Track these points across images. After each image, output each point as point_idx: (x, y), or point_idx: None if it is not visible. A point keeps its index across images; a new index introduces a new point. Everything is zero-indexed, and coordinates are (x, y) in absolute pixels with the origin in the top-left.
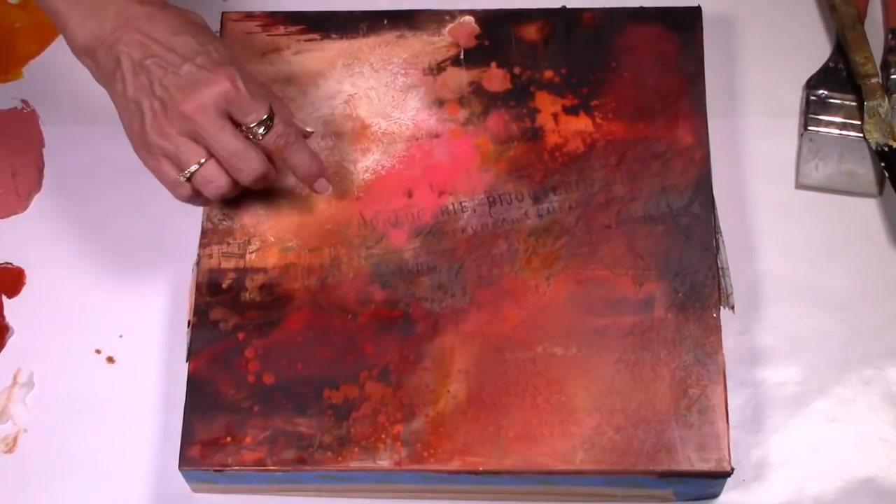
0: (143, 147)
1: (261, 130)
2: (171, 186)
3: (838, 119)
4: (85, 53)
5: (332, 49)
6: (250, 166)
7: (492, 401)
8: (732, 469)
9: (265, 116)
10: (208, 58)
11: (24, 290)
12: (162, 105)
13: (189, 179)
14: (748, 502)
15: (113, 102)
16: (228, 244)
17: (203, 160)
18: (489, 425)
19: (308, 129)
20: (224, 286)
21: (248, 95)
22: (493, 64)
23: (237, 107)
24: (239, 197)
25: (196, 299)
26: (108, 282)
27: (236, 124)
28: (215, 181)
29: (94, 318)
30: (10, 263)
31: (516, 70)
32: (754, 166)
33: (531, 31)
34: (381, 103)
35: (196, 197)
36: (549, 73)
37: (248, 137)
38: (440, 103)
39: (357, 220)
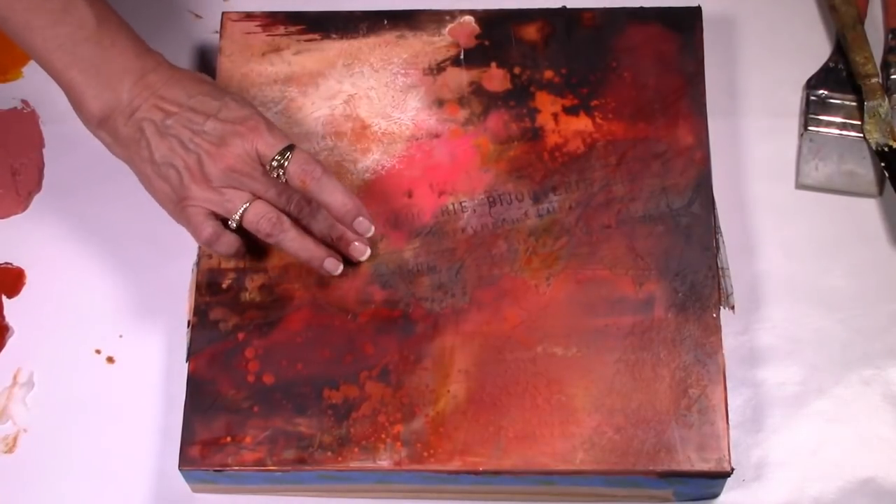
0: (181, 202)
1: (284, 160)
2: (213, 237)
3: (838, 119)
4: (100, 125)
5: (332, 49)
6: (294, 199)
7: (492, 401)
8: (732, 469)
9: (284, 146)
10: (230, 112)
11: (24, 290)
12: (198, 161)
13: (239, 225)
14: (748, 502)
15: (135, 171)
16: None
17: (249, 202)
18: (489, 425)
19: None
20: (224, 286)
21: (269, 136)
22: (493, 64)
23: (263, 149)
24: None
25: (196, 299)
26: (108, 282)
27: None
28: (266, 214)
29: (94, 318)
30: (10, 263)
31: (516, 70)
32: (754, 166)
33: (531, 31)
34: (381, 103)
35: (234, 245)
36: (549, 73)
37: (276, 176)
38: (440, 103)
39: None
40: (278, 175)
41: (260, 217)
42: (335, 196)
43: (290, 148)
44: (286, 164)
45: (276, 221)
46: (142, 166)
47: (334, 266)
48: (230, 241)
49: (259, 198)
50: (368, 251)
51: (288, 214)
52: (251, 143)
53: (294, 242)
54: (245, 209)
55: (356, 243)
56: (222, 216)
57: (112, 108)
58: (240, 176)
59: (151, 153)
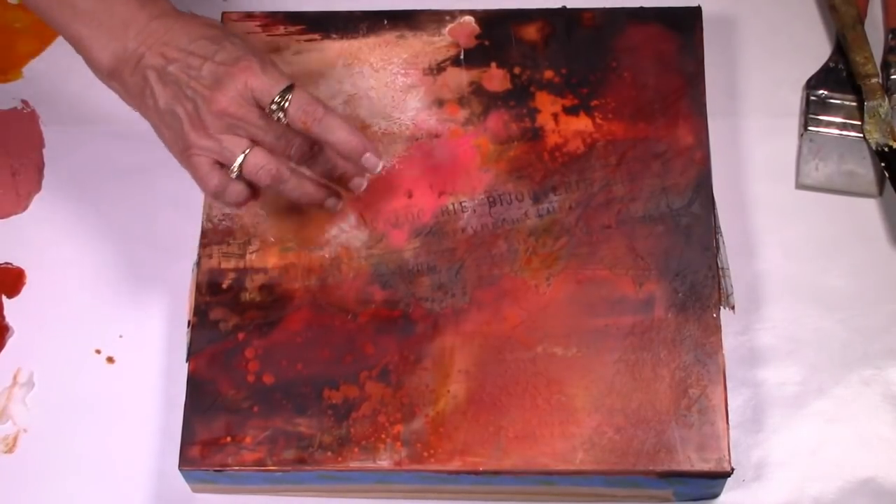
0: (185, 152)
1: (285, 102)
2: (219, 187)
3: (838, 119)
4: (110, 75)
5: (332, 49)
6: (295, 143)
7: (492, 401)
8: (732, 469)
9: (284, 88)
10: (226, 53)
11: (24, 290)
12: (195, 107)
13: (240, 174)
14: (748, 502)
15: (147, 120)
16: (228, 244)
17: (248, 150)
18: (489, 425)
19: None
20: (224, 286)
21: (265, 77)
22: (493, 64)
23: (260, 90)
24: None
25: (196, 299)
26: (108, 282)
27: (263, 109)
28: (265, 165)
29: (94, 318)
30: (10, 263)
31: (516, 70)
32: (754, 166)
33: (531, 31)
34: (381, 103)
35: (243, 194)
36: (549, 73)
37: (277, 119)
38: (440, 103)
39: (357, 220)
40: (278, 118)
41: (258, 168)
42: (340, 135)
43: (290, 88)
44: (286, 105)
45: (274, 174)
46: (149, 115)
47: (334, 204)
48: (238, 191)
49: (258, 143)
50: (366, 183)
51: (288, 157)
52: (244, 83)
53: (294, 191)
54: (244, 158)
55: (355, 178)
56: (225, 164)
57: (119, 58)
58: (235, 121)
59: (156, 101)
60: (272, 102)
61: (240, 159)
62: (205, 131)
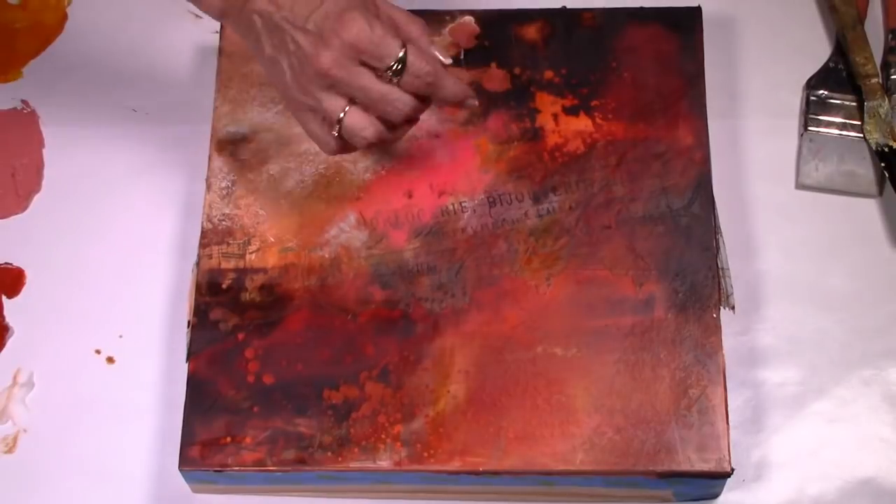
0: (291, 103)
1: (397, 67)
2: (321, 142)
3: (838, 119)
4: (221, 15)
5: None
6: (396, 107)
7: (492, 401)
8: (732, 469)
9: (399, 56)
10: (333, 4)
11: (24, 290)
12: (298, 62)
13: (339, 133)
14: (748, 502)
15: (255, 55)
16: (228, 244)
17: (347, 109)
18: (489, 426)
19: (446, 60)
20: (224, 286)
21: (375, 39)
22: (493, 64)
23: (368, 54)
24: (239, 197)
25: (196, 299)
26: (108, 282)
27: (373, 69)
28: (363, 128)
29: (94, 318)
30: (10, 263)
31: (516, 70)
32: (754, 167)
33: (531, 31)
34: None
35: (347, 149)
36: (549, 74)
37: (388, 80)
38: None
39: (357, 220)
40: (389, 79)
41: (357, 132)
42: (450, 89)
43: (403, 59)
44: (400, 68)
45: (371, 138)
46: (259, 59)
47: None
48: (356, 144)
49: (356, 103)
50: (477, 102)
51: (388, 116)
52: (349, 41)
53: (389, 143)
54: (342, 118)
55: (468, 100)
56: (326, 122)
57: (227, 2)
58: (336, 82)
59: (262, 48)
60: (386, 67)
61: (338, 121)
62: (305, 88)
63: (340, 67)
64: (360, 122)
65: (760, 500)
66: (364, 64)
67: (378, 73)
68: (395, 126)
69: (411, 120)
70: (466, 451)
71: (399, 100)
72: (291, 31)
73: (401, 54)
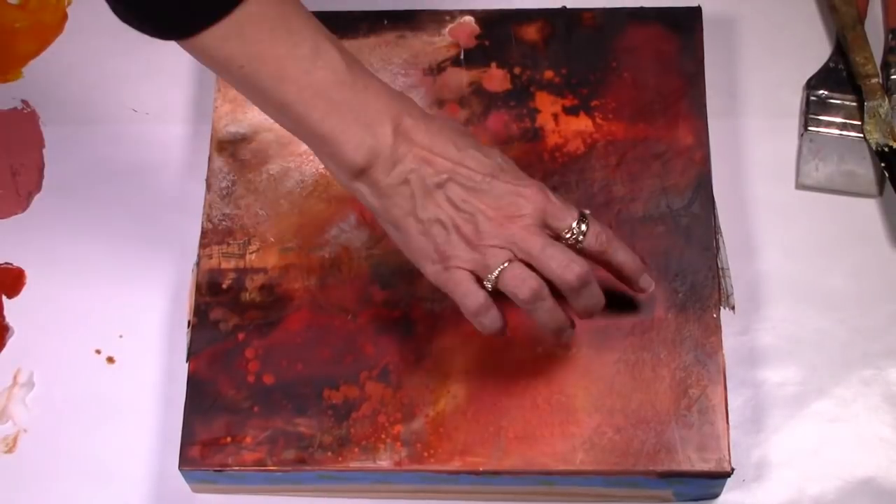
0: (445, 262)
1: (582, 229)
2: (482, 308)
3: (838, 119)
4: (359, 176)
5: None
6: (573, 267)
7: (492, 401)
8: (732, 469)
9: (580, 217)
10: (507, 173)
11: (24, 290)
12: (472, 220)
13: (495, 284)
14: (748, 502)
15: (390, 223)
16: (228, 244)
17: (507, 262)
18: (489, 425)
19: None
20: (224, 286)
21: (560, 203)
22: (493, 64)
23: (553, 216)
24: (239, 197)
25: (196, 299)
26: (108, 282)
27: (553, 234)
28: (528, 279)
29: (94, 318)
30: (10, 263)
31: (516, 70)
32: (754, 166)
33: (531, 31)
34: None
35: (499, 321)
36: (549, 74)
37: (569, 244)
38: (440, 103)
39: (357, 220)
40: (572, 241)
41: (521, 281)
42: (625, 256)
43: (585, 218)
44: (585, 230)
45: (537, 289)
46: (402, 220)
47: (570, 335)
48: (496, 317)
49: (518, 259)
50: (653, 284)
51: (564, 282)
52: (541, 210)
53: (548, 312)
54: (503, 269)
55: (643, 278)
56: (481, 277)
57: (375, 155)
58: (521, 243)
59: (415, 208)
60: (569, 230)
61: (497, 270)
62: (476, 244)
63: (527, 230)
64: (523, 272)
65: (760, 500)
66: (546, 228)
67: (559, 237)
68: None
69: (575, 308)
70: (466, 451)
71: (577, 260)
72: (463, 194)
73: (580, 217)
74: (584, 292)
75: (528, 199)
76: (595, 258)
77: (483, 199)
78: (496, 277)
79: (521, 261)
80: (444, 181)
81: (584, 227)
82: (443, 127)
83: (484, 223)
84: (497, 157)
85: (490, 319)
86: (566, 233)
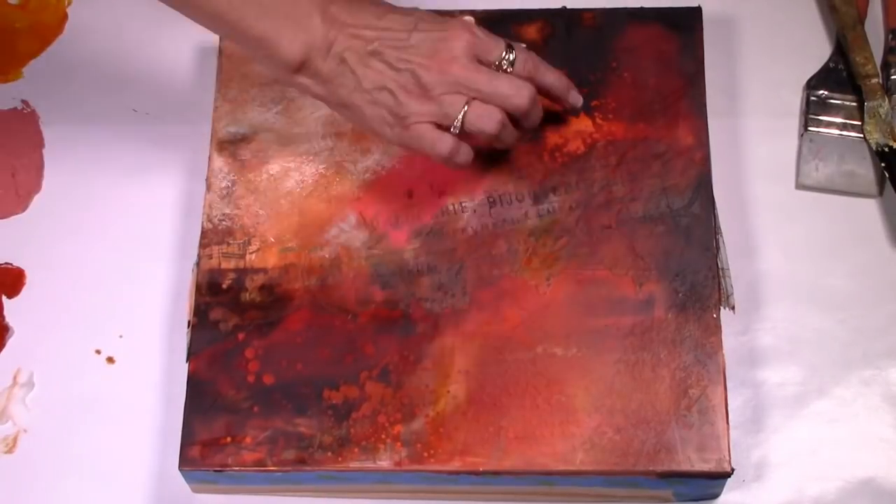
0: (404, 121)
1: (510, 58)
2: (438, 145)
3: (838, 119)
4: (299, 70)
5: None
6: (522, 93)
7: (492, 401)
8: (732, 469)
9: (507, 46)
10: (427, 23)
11: (24, 290)
12: (412, 75)
13: (461, 128)
14: (748, 502)
15: (338, 106)
16: (228, 244)
17: (467, 105)
18: (489, 426)
19: None
20: (224, 286)
21: (486, 36)
22: None
23: (482, 49)
24: (239, 197)
25: (196, 299)
26: (108, 282)
27: (485, 66)
28: (490, 114)
29: (94, 318)
30: (10, 263)
31: None
32: (754, 166)
33: (531, 31)
34: None
35: (471, 154)
36: None
37: (505, 71)
38: None
39: (357, 220)
40: (506, 70)
41: (487, 117)
42: (553, 77)
43: (511, 47)
44: (513, 58)
45: (502, 119)
46: (350, 98)
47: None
48: (468, 150)
49: (473, 98)
50: (581, 100)
51: (514, 107)
52: (469, 44)
53: (511, 134)
54: (465, 112)
55: (572, 93)
56: (444, 125)
57: (310, 47)
58: (460, 80)
59: (359, 81)
60: (501, 59)
61: (461, 114)
62: (425, 96)
63: (461, 65)
64: (484, 109)
65: (760, 500)
66: (481, 62)
67: (495, 66)
68: (514, 123)
69: (525, 126)
70: (466, 451)
71: (523, 85)
72: (395, 53)
73: (506, 45)
74: (535, 110)
75: (455, 39)
76: (530, 80)
77: (415, 54)
78: (461, 122)
79: (474, 98)
80: (376, 49)
81: (512, 55)
82: (361, 4)
83: (424, 75)
84: (415, 12)
85: (464, 156)
86: (497, 62)
